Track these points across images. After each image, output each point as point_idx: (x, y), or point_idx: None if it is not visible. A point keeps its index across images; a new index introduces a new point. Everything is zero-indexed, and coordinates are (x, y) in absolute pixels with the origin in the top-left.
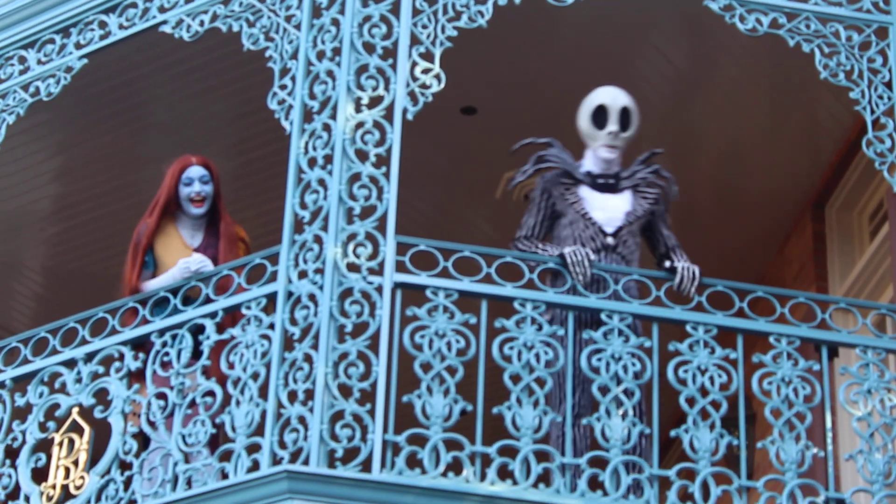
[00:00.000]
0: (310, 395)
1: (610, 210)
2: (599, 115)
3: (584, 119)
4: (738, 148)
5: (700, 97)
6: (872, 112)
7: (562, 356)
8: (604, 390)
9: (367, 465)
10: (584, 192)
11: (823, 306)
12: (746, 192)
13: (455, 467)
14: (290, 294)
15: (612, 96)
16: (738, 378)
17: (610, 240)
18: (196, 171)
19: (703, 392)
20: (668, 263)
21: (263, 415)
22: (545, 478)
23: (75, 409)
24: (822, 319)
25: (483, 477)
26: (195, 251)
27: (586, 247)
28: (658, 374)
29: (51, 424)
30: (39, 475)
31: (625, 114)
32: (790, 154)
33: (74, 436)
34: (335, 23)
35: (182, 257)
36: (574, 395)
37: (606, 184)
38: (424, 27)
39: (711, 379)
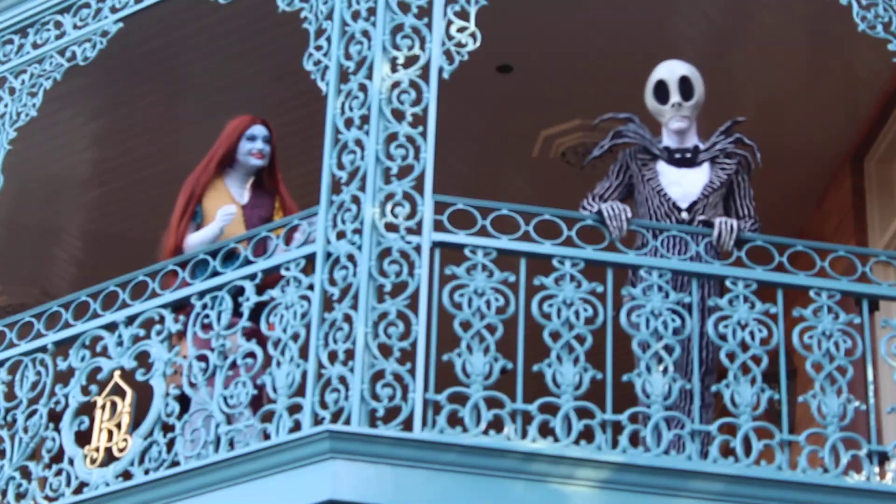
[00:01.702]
0: (350, 355)
1: (686, 185)
2: (661, 91)
3: (648, 98)
4: (775, 102)
5: (737, 51)
6: None
7: (601, 313)
8: (644, 346)
9: (408, 424)
10: (661, 167)
11: (864, 259)
12: (784, 147)
13: (496, 425)
14: (328, 255)
15: (668, 69)
16: (778, 332)
17: (684, 215)
18: (260, 129)
19: (744, 347)
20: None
21: (304, 375)
22: (586, 434)
23: (117, 372)
24: (862, 273)
25: (524, 434)
26: (243, 208)
27: (659, 217)
28: (699, 329)
29: (93, 388)
30: (83, 438)
31: (685, 83)
32: (828, 107)
33: (117, 399)
34: None
35: None
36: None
37: (684, 158)
38: None
39: (752, 334)
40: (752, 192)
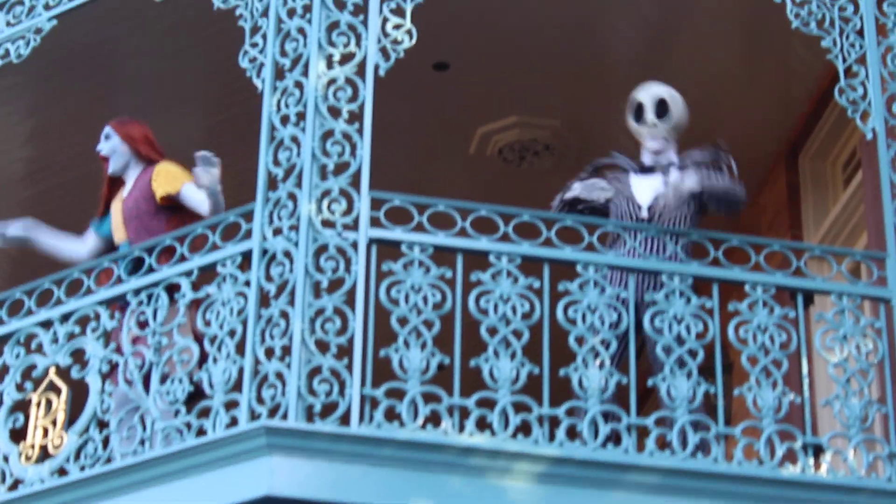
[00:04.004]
0: (287, 351)
1: (650, 189)
2: (640, 112)
3: (629, 119)
4: (710, 98)
5: (672, 48)
6: (844, 60)
7: (538, 308)
8: (580, 341)
9: (345, 419)
10: (631, 178)
11: (798, 254)
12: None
13: (433, 420)
14: (265, 251)
15: (648, 92)
16: (714, 326)
17: (645, 213)
18: (102, 135)
19: (680, 341)
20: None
21: (241, 371)
22: (524, 428)
23: (52, 370)
24: (797, 267)
25: (461, 429)
26: (123, 201)
27: (624, 219)
28: (635, 324)
29: (28, 385)
30: (18, 435)
31: (662, 105)
32: (763, 104)
33: (52, 396)
34: None
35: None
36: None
37: (653, 168)
38: None
39: (688, 328)
40: None
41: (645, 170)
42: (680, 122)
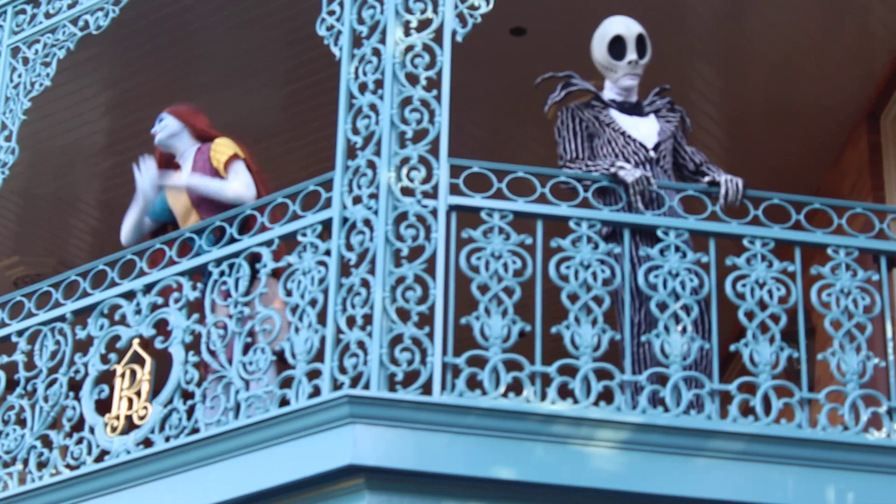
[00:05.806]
0: (368, 319)
1: (643, 129)
2: (616, 46)
3: (600, 51)
4: (790, 60)
5: (750, 9)
6: None
7: (619, 274)
8: (662, 307)
9: (427, 388)
10: (615, 114)
11: (881, 216)
12: (799, 105)
13: (515, 388)
14: (345, 220)
15: (626, 26)
16: (796, 291)
17: (652, 153)
18: (157, 118)
19: (762, 306)
20: (707, 178)
21: (322, 341)
22: (606, 395)
23: (136, 341)
24: (880, 229)
25: (543, 396)
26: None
27: (630, 162)
28: (716, 289)
29: (112, 356)
30: (103, 406)
31: (641, 41)
32: (843, 65)
33: (136, 367)
34: None
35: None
36: (634, 312)
37: (632, 108)
38: None
39: (770, 292)
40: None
41: (623, 108)
42: (648, 61)
